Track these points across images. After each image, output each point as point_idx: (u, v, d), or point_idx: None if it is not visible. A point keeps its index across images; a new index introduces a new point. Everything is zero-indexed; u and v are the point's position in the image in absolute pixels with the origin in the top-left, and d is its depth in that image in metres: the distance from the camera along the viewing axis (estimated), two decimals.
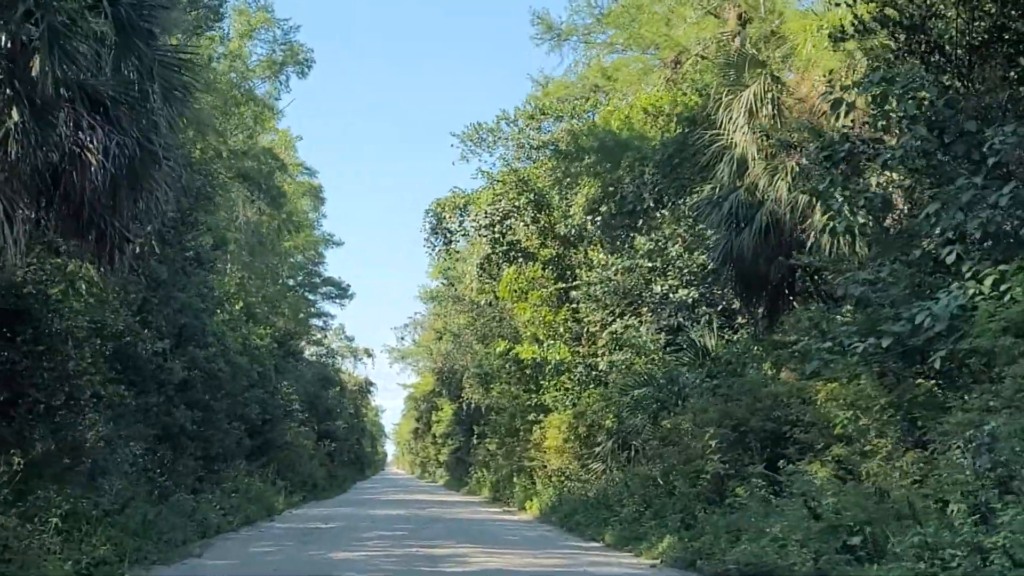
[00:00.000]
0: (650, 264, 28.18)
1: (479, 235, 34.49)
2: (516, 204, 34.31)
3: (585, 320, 32.17)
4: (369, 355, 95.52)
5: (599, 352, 32.34)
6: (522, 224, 33.97)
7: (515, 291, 36.82)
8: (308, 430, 57.82)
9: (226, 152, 31.62)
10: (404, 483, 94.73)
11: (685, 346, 27.19)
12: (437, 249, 35.76)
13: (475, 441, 65.96)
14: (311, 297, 75.09)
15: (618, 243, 29.90)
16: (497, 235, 34.27)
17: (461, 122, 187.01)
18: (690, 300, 28.98)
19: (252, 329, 41.11)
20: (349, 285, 75.85)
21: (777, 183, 19.44)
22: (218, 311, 32.75)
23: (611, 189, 30.13)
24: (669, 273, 29.53)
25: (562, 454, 33.87)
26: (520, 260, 34.82)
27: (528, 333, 38.68)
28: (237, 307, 41.25)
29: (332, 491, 57.84)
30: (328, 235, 71.99)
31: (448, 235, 35.55)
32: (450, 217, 35.35)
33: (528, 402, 44.37)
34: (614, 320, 30.61)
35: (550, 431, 35.34)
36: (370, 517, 33.59)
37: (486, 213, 34.40)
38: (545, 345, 36.81)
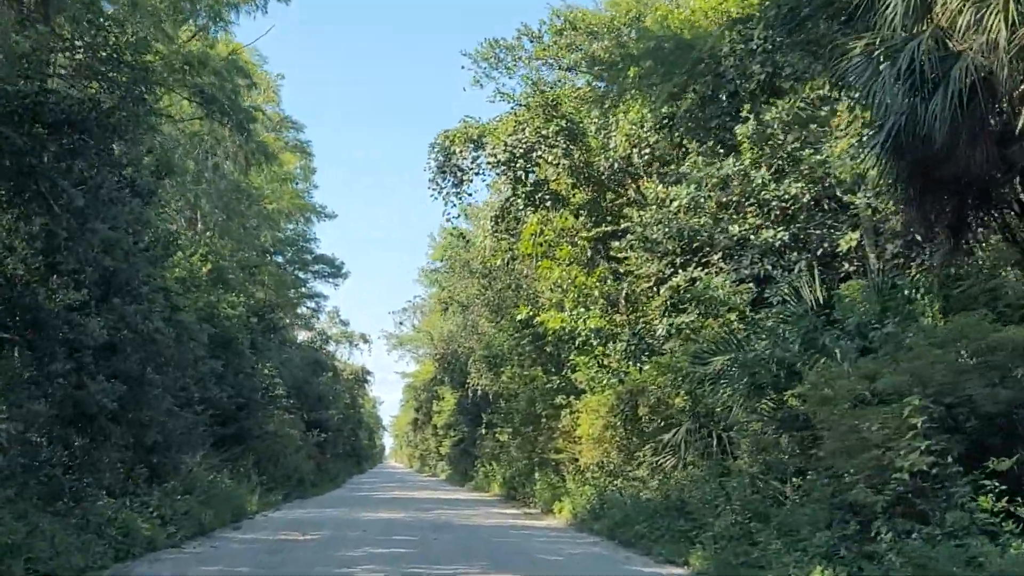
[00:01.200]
0: (747, 167, 20.88)
1: (496, 173, 27.18)
2: (543, 134, 26.98)
3: (634, 275, 24.82)
4: (366, 341, 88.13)
5: (652, 315, 25.04)
6: (550, 159, 26.63)
7: (540, 245, 29.52)
8: (295, 419, 50.52)
9: (178, 62, 24.37)
10: (402, 477, 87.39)
11: (782, 299, 19.89)
12: (444, 192, 28.41)
13: (482, 432, 58.66)
14: (302, 276, 67.80)
15: (694, 160, 22.54)
16: (519, 172, 26.96)
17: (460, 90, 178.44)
18: (778, 243, 21.71)
19: (222, 296, 33.75)
20: (343, 263, 68.52)
21: (990, 19, 12.15)
22: (169, 263, 25.37)
23: (678, 92, 22.76)
24: (749, 211, 22.25)
25: (601, 444, 26.58)
26: (547, 205, 27.50)
27: (554, 300, 31.35)
28: (204, 268, 33.90)
29: (322, 487, 50.50)
30: (320, 206, 64.67)
31: (459, 174, 28.21)
32: (461, 152, 28.01)
33: (549, 384, 37.18)
34: (674, 272, 23.29)
35: (584, 417, 28.07)
36: (362, 523, 26.31)
37: (505, 146, 27.06)
38: (574, 313, 29.47)
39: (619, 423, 25.08)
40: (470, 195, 28.85)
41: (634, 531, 19.63)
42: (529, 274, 37.29)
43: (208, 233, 36.76)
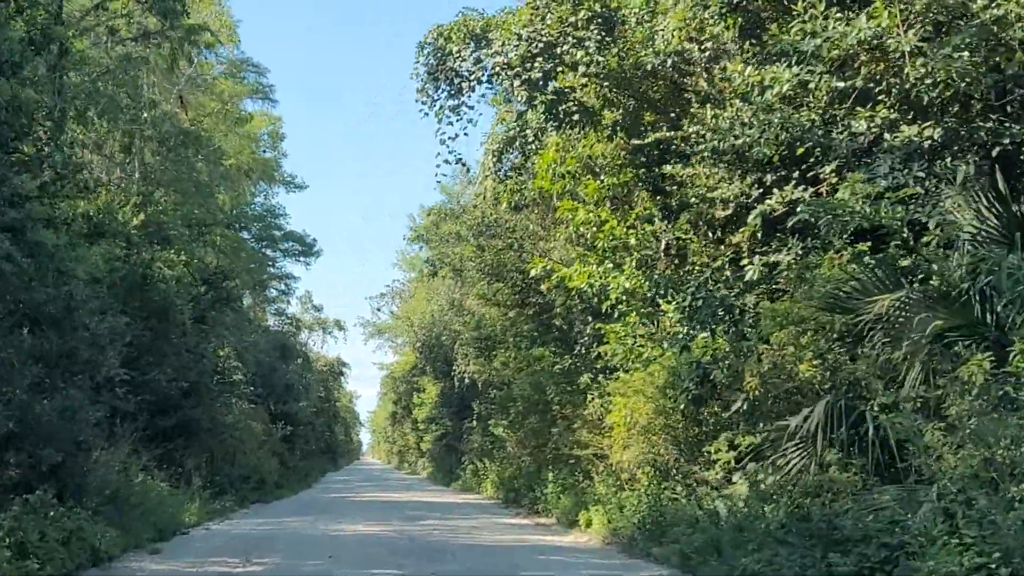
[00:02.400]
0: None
1: (506, 78, 19.93)
2: (570, 22, 19.80)
3: (701, 202, 17.61)
4: (341, 328, 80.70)
5: (721, 259, 17.91)
6: (579, 56, 19.43)
7: (561, 177, 22.30)
8: (259, 410, 43.16)
9: None
10: (380, 475, 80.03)
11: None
12: (438, 105, 21.13)
13: (471, 424, 51.56)
14: (270, 254, 60.43)
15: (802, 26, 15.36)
16: (537, 76, 19.76)
17: None
18: (928, 143, 14.72)
19: (157, 254, 26.44)
20: (315, 240, 61.12)
21: None
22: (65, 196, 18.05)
23: None
24: (883, 99, 15.23)
25: (648, 436, 19.46)
26: (573, 120, 20.31)
27: (574, 256, 24.20)
28: (134, 220, 26.55)
29: (289, 487, 43.15)
30: (289, 175, 57.32)
31: (456, 81, 20.96)
32: (459, 52, 20.77)
33: (559, 365, 30.10)
34: (765, 193, 16.21)
35: (618, 401, 20.99)
36: (328, 542, 19.11)
37: (519, 39, 19.85)
38: (601, 270, 22.35)
39: (677, 406, 17.97)
40: (471, 108, 21.46)
41: (741, 567, 12.48)
42: (539, 228, 30.10)
43: (144, 182, 29.34)
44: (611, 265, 22.72)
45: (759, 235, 16.05)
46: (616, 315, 23.43)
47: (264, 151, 57.35)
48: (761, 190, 16.42)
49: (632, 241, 22.07)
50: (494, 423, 40.72)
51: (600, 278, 22.27)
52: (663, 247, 22.09)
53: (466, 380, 49.19)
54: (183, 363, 29.54)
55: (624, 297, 22.78)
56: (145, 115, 29.82)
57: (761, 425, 16.54)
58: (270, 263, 59.83)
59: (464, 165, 22.76)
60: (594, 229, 22.66)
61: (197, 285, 30.88)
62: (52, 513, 13.97)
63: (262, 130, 54.36)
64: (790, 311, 13.82)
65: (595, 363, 27.41)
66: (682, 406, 17.71)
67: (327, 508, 31.23)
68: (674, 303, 19.09)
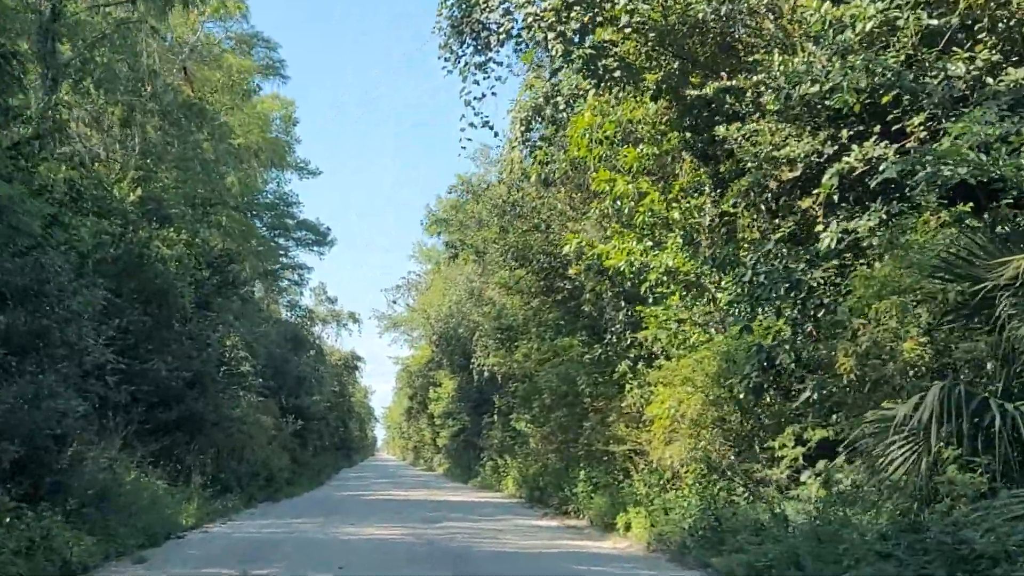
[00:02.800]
0: None
1: (538, 31, 17.64)
2: None
3: (766, 160, 15.28)
4: (355, 320, 78.51)
5: (786, 228, 15.60)
6: (621, 4, 17.16)
7: (599, 143, 20.01)
8: (269, 403, 41.03)
9: None
10: (395, 472, 77.88)
11: None
12: (463, 62, 18.87)
13: (490, 420, 49.38)
14: (283, 243, 58.38)
15: None
16: (573, 29, 17.50)
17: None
18: None
19: (155, 232, 24.33)
20: (329, 229, 59.04)
21: None
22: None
23: None
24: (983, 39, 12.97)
25: (698, 430, 17.23)
26: (614, 77, 18.02)
27: (609, 233, 21.94)
28: (132, 194, 24.46)
29: (300, 485, 41.03)
30: (302, 161, 55.19)
31: (484, 34, 18.69)
32: (487, 2, 18.52)
33: (589, 354, 27.86)
34: (842, 150, 13.92)
35: (660, 392, 18.77)
36: (339, 549, 16.92)
37: None
38: (641, 247, 20.12)
39: (735, 395, 15.73)
40: (499, 65, 19.15)
41: None
42: (568, 207, 27.86)
43: (144, 157, 27.22)
44: (650, 243, 20.52)
45: (835, 198, 13.74)
46: (653, 299, 21.28)
47: (276, 135, 55.48)
48: (836, 147, 14.12)
49: (675, 215, 19.82)
50: (516, 417, 38.57)
51: (640, 256, 20.01)
52: (708, 222, 19.83)
53: (485, 373, 46.93)
54: (185, 352, 27.43)
55: (664, 278, 20.60)
56: (146, 87, 27.75)
57: (836, 416, 14.34)
58: (282, 252, 57.77)
59: (491, 128, 20.43)
60: (632, 203, 20.40)
61: (200, 268, 28.79)
62: (10, 519, 11.79)
63: (274, 114, 52.32)
64: (890, 279, 11.50)
65: (628, 352, 25.22)
66: (742, 395, 15.44)
67: (339, 507, 29.08)
68: (728, 281, 16.84)
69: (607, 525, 20.76)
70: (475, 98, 19.36)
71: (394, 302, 75.43)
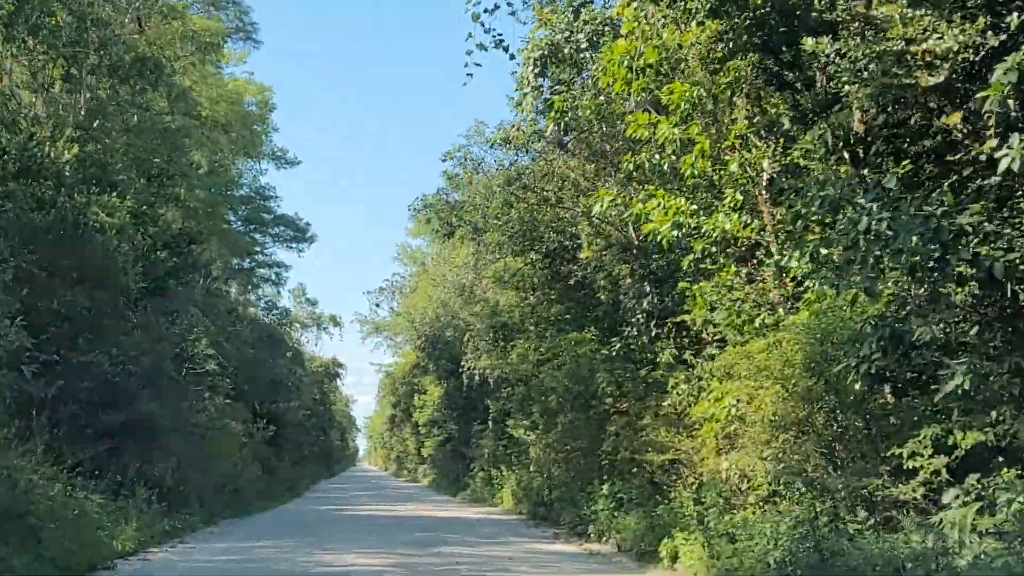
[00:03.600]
0: None
1: None
2: None
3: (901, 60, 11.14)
4: (336, 324, 74.17)
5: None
6: None
7: (640, 72, 15.78)
8: (240, 407, 36.65)
9: None
10: (378, 483, 73.32)
11: None
12: None
13: (481, 427, 45.13)
14: (259, 238, 54.05)
15: None
16: None
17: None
18: None
19: (94, 197, 20.03)
20: (309, 224, 54.71)
21: None
22: None
23: None
24: None
25: (777, 436, 13.04)
26: None
27: (646, 193, 17.66)
28: (68, 153, 20.16)
29: (275, 498, 36.64)
30: (279, 150, 50.94)
31: None
32: None
33: (605, 349, 23.80)
34: (1011, 42, 9.79)
35: (718, 387, 14.63)
36: None
37: None
38: (691, 208, 15.93)
39: (849, 385, 11.56)
40: None
41: None
42: (581, 178, 23.71)
43: (91, 115, 22.93)
44: (695, 207, 16.37)
45: (1011, 103, 9.60)
46: (696, 274, 17.19)
47: (254, 125, 51.18)
48: (1003, 38, 10.01)
49: (733, 167, 15.69)
50: (513, 424, 34.35)
51: (689, 218, 15.83)
52: (767, 179, 15.74)
53: (476, 377, 42.81)
54: (135, 344, 23.10)
55: (714, 248, 16.50)
56: (90, 36, 23.49)
57: (997, 413, 10.22)
58: (258, 249, 53.43)
59: (505, 48, 16.29)
60: (676, 154, 16.19)
61: (155, 249, 24.51)
62: None
63: (249, 99, 48.07)
64: None
65: (655, 344, 21.11)
66: (857, 384, 11.24)
67: (315, 526, 24.73)
68: (814, 240, 12.64)
69: (644, 553, 16.52)
70: (485, 10, 15.23)
71: (377, 306, 70.89)
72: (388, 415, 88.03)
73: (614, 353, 23.29)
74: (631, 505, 18.78)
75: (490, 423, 39.56)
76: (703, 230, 15.91)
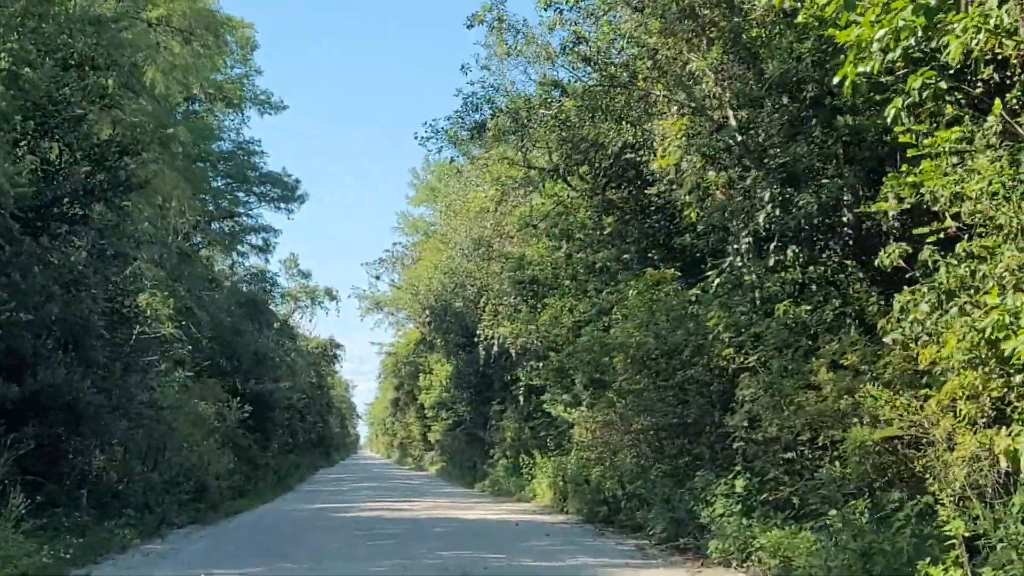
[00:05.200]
0: None
1: None
2: None
3: None
4: (332, 298, 66.82)
5: None
6: None
7: None
8: (211, 385, 29.65)
9: None
10: (381, 472, 66.29)
11: None
12: None
13: (500, 407, 38.20)
14: (243, 197, 46.91)
15: None
16: None
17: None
18: None
19: None
20: (299, 182, 47.50)
21: None
22: None
23: None
24: None
25: None
26: None
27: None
28: None
29: (258, 494, 29.63)
30: (263, 93, 43.92)
31: None
32: None
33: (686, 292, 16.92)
34: None
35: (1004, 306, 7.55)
36: None
37: None
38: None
39: None
40: None
41: None
42: (667, 53, 16.56)
43: None
44: None
45: None
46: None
47: (232, 67, 44.09)
48: None
49: None
50: (549, 400, 27.41)
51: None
52: None
53: (494, 348, 35.86)
54: (38, 288, 16.10)
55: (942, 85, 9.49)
56: None
57: None
58: (242, 210, 46.27)
59: None
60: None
61: (73, 160, 17.47)
62: None
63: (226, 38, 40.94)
64: None
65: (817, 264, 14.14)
66: None
67: (299, 538, 17.70)
68: None
69: None
70: None
71: (377, 278, 63.81)
72: (390, 399, 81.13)
73: (713, 291, 16.32)
74: (782, 514, 11.78)
75: (520, 399, 32.56)
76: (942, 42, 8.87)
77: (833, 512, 10.76)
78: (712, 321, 14.17)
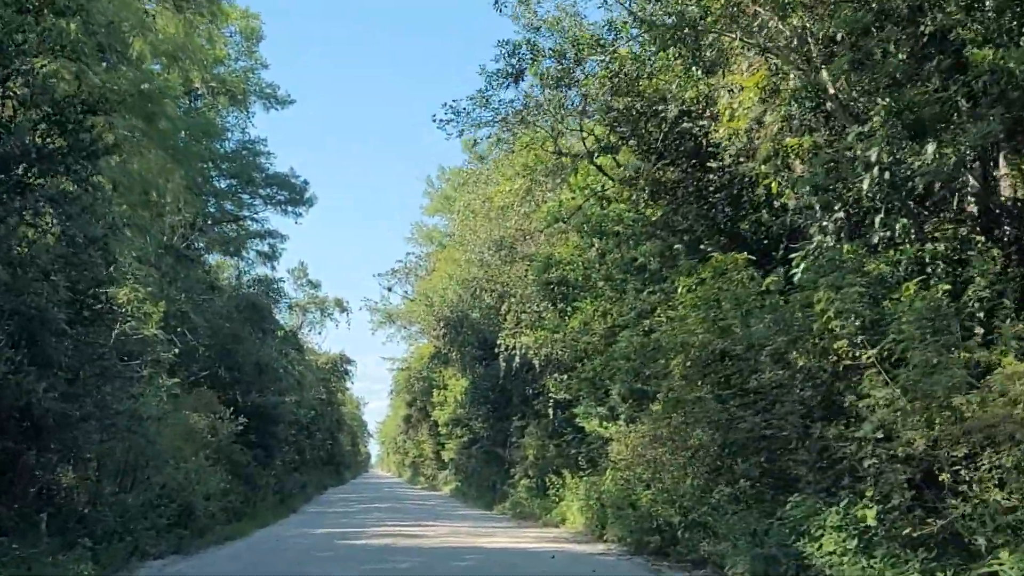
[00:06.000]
0: None
1: None
2: None
3: None
4: (343, 309, 63.88)
5: None
6: None
7: None
8: (207, 394, 26.64)
9: None
10: (393, 491, 63.09)
11: None
12: None
13: (522, 424, 35.09)
14: (248, 199, 44.05)
15: None
16: None
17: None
18: None
19: None
20: (307, 183, 44.59)
21: None
22: None
23: None
24: None
25: None
26: None
27: None
28: None
29: (256, 516, 26.49)
30: (270, 87, 41.21)
31: None
32: None
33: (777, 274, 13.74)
34: None
35: None
36: None
37: None
38: None
39: None
40: None
41: None
42: None
43: None
44: None
45: None
46: None
47: (237, 60, 41.34)
48: None
49: None
50: (581, 413, 24.35)
51: None
52: None
53: (516, 359, 32.79)
54: None
55: None
56: None
57: None
58: (244, 211, 43.39)
59: None
60: None
61: (26, 119, 14.51)
62: None
63: (229, 27, 38.28)
64: None
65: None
66: None
67: (293, 573, 14.59)
68: None
69: None
70: None
71: (389, 290, 60.85)
72: (402, 416, 77.95)
73: (800, 276, 13.24)
74: (899, 547, 8.66)
75: (548, 414, 29.45)
76: None
77: (1006, 555, 7.70)
78: (819, 306, 11.02)
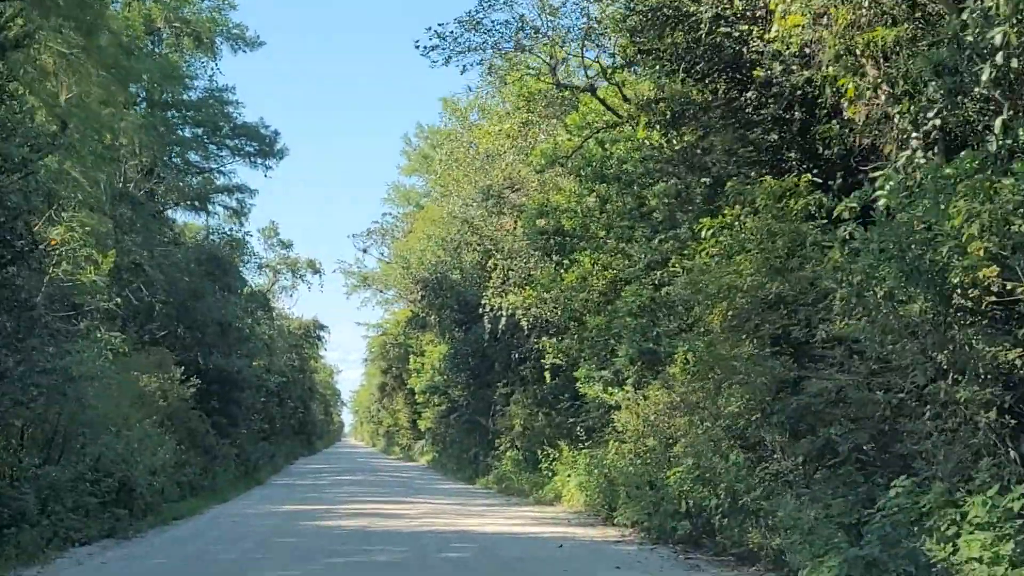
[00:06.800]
0: None
1: None
2: None
3: None
4: (315, 271, 60.64)
5: None
6: None
7: None
8: (164, 353, 23.49)
9: None
10: (366, 462, 60.19)
11: None
12: None
13: (506, 391, 32.18)
14: (215, 150, 40.63)
15: None
16: None
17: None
18: None
19: None
20: (277, 133, 41.15)
21: None
22: None
23: None
24: None
25: None
26: None
27: None
28: None
29: (215, 491, 23.46)
30: (237, 27, 37.73)
31: None
32: None
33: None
34: None
35: None
36: None
37: None
38: None
39: None
40: None
41: None
42: None
43: None
44: None
45: None
46: None
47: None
48: None
49: None
50: (583, 376, 21.46)
51: None
52: None
53: (502, 321, 29.72)
54: None
55: None
56: None
57: None
58: (211, 163, 40.01)
59: None
60: None
61: None
62: None
63: None
64: None
65: None
66: None
67: (243, 569, 11.63)
68: None
69: None
70: None
71: (364, 251, 57.53)
72: (377, 384, 74.85)
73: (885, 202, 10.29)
74: None
75: (546, 377, 26.48)
76: None
77: None
78: (958, 220, 8.05)
